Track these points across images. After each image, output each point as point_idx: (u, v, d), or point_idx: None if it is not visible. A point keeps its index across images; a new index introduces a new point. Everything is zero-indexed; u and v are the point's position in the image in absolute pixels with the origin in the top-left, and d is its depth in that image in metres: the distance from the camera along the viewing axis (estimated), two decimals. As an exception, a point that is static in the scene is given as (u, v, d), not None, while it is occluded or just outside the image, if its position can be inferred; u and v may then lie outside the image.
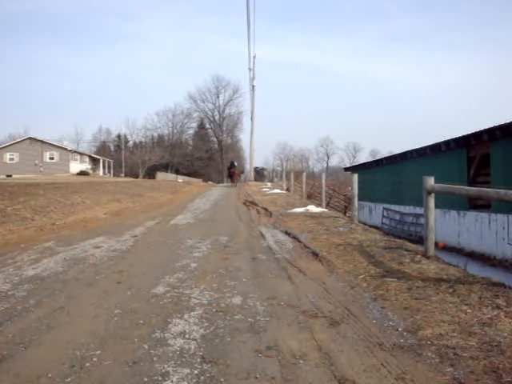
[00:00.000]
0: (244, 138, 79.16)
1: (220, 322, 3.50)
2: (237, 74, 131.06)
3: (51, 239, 7.83)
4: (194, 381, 2.55)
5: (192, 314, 3.73)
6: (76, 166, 50.94)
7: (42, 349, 3.06)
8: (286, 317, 3.63)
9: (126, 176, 56.79)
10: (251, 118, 44.27)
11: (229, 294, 4.33)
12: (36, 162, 48.88)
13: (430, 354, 2.84)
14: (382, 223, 20.55)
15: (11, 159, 49.54)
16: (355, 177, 10.69)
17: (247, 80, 44.71)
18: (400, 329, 3.28)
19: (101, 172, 57.05)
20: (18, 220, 9.45)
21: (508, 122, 13.29)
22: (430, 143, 18.65)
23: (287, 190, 25.39)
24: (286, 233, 8.35)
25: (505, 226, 13.27)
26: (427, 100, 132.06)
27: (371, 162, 30.78)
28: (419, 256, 5.80)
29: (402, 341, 3.06)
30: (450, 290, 4.13)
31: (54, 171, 45.32)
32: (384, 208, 21.29)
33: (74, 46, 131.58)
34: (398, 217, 19.76)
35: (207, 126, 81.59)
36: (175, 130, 78.72)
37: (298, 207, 13.31)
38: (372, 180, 23.82)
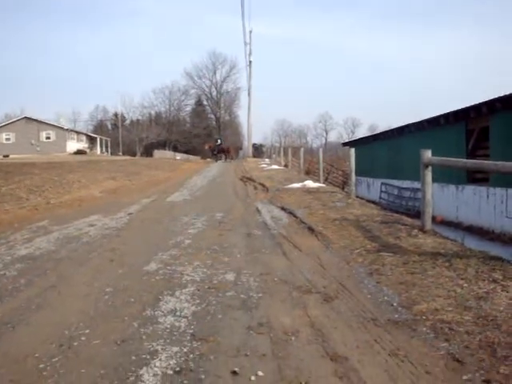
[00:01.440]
0: (242, 114, 78.78)
1: (212, 299, 3.45)
2: (234, 50, 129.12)
3: (45, 218, 7.76)
4: (183, 359, 2.49)
5: (184, 291, 3.67)
6: (73, 145, 50.55)
7: (31, 328, 3.01)
8: (279, 293, 3.57)
9: (123, 154, 56.39)
10: (248, 94, 43.91)
11: (222, 270, 4.27)
12: (32, 141, 48.45)
13: (424, 329, 2.78)
14: (381, 198, 20.49)
15: (7, 139, 49.09)
16: (352, 151, 10.57)
17: (244, 56, 44.20)
18: (395, 304, 3.22)
19: (98, 151, 56.65)
20: (13, 200, 9.35)
21: (508, 93, 13.11)
22: (428, 117, 18.46)
23: (285, 165, 25.27)
24: (283, 208, 8.28)
25: (503, 199, 13.20)
26: (427, 74, 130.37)
27: (369, 136, 30.54)
28: (416, 230, 5.72)
29: (396, 316, 3.01)
30: (447, 264, 4.06)
31: (50, 151, 44.95)
32: (382, 183, 21.21)
33: (70, 24, 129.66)
34: (396, 191, 19.69)
35: (204, 102, 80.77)
36: (172, 108, 77.92)
37: (295, 183, 13.21)
38: (370, 155, 23.71)
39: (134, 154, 58.36)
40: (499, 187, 13.35)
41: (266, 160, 34.96)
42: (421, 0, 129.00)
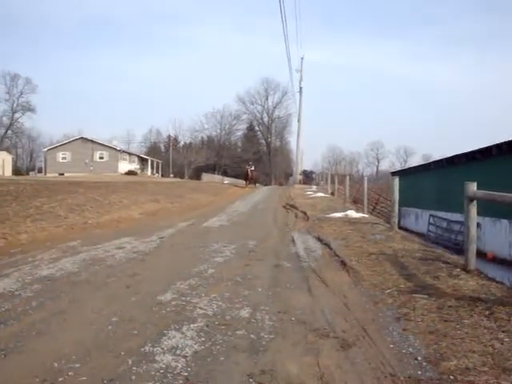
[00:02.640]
0: (293, 140, 78.42)
1: (219, 338, 3.17)
2: (286, 76, 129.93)
3: (78, 238, 7.75)
4: (168, 409, 2.23)
5: (192, 326, 3.41)
6: (125, 166, 51.91)
7: (22, 358, 2.84)
8: (292, 335, 3.24)
9: (174, 176, 57.42)
10: (298, 120, 44.06)
11: (238, 304, 3.99)
12: (86, 161, 50.18)
13: (450, 392, 2.39)
14: (429, 231, 19.60)
15: (63, 158, 51.07)
16: (396, 181, 10.07)
17: (296, 82, 44.37)
18: (420, 357, 2.82)
19: (149, 172, 57.96)
20: (52, 218, 9.47)
21: None
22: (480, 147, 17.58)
23: (332, 193, 24.77)
24: (319, 239, 7.92)
25: None
26: (482, 105, 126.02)
27: (418, 166, 29.56)
28: (458, 269, 5.24)
29: (419, 373, 2.61)
30: (487, 313, 3.61)
31: (103, 170, 46.34)
32: (430, 215, 20.30)
33: (131, 51, 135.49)
34: (444, 224, 18.75)
35: (256, 128, 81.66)
36: (223, 132, 79.14)
37: (337, 212, 12.81)
38: (419, 185, 22.89)
39: (182, 177, 59.26)
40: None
41: (314, 187, 34.51)
42: (481, 28, 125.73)
